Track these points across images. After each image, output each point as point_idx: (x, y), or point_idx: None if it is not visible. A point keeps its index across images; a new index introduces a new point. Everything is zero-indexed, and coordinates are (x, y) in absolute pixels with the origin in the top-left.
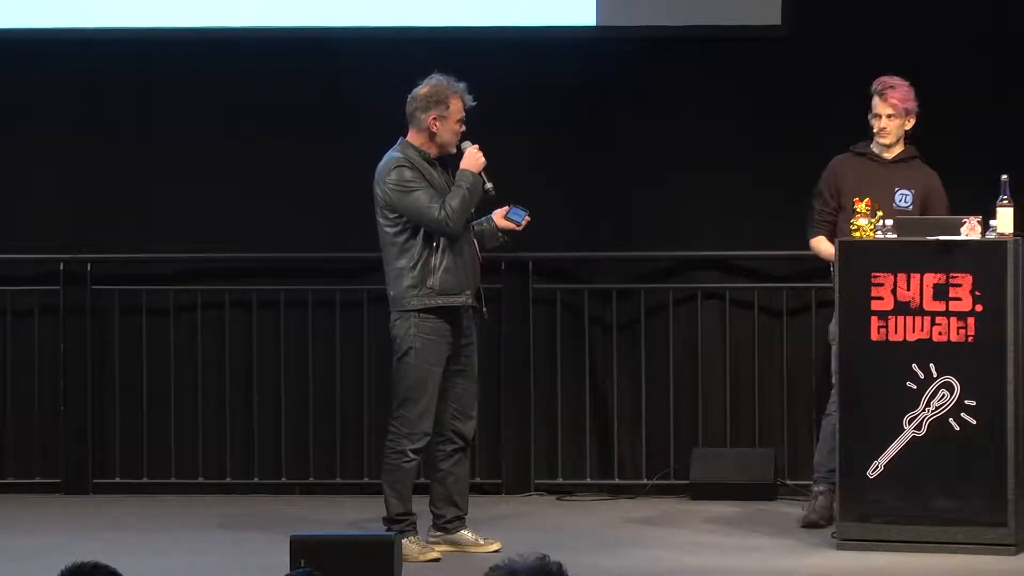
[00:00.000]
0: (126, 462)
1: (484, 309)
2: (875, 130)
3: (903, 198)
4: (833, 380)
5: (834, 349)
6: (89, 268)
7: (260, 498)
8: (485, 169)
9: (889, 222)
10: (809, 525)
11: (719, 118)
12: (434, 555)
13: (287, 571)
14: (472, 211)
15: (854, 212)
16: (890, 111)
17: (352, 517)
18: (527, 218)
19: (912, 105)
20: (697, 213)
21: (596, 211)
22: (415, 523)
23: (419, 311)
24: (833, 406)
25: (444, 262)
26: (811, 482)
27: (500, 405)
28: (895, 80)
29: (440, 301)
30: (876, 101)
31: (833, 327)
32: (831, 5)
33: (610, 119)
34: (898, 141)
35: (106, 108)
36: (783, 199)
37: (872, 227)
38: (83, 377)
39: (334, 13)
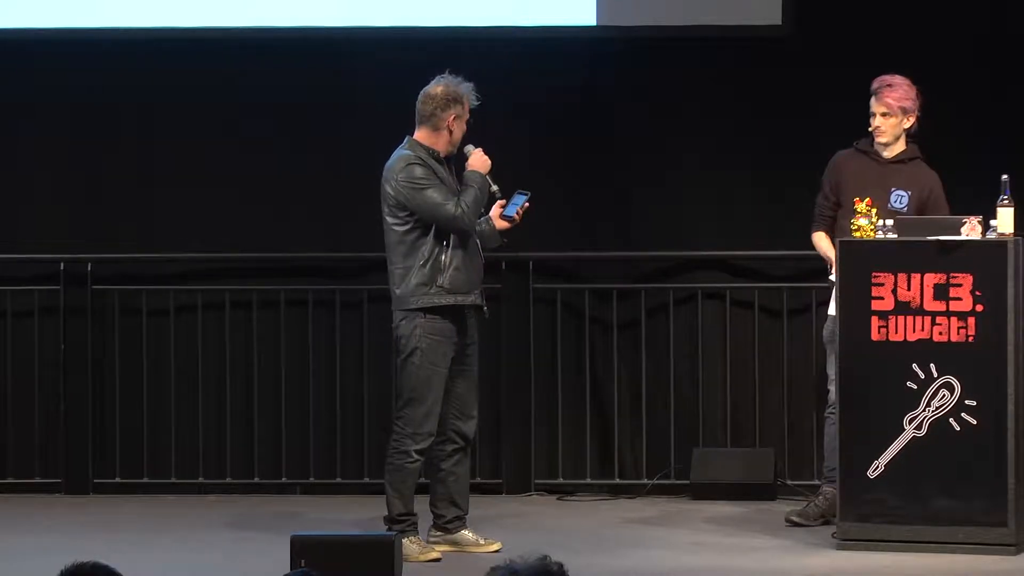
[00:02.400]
0: (126, 462)
1: (485, 308)
2: (871, 128)
3: (899, 199)
4: (831, 379)
5: (830, 350)
6: (89, 268)
7: (260, 498)
8: (490, 172)
9: (889, 222)
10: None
11: (719, 118)
12: (434, 555)
13: (287, 571)
14: (480, 211)
15: (854, 212)
16: (884, 109)
17: (352, 517)
18: (526, 204)
19: (910, 104)
20: (697, 213)
21: (596, 211)
22: (416, 523)
23: (426, 310)
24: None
25: (454, 261)
26: (811, 482)
27: (500, 405)
28: (895, 79)
29: (450, 300)
30: (872, 99)
31: (828, 330)
32: (831, 5)
33: (610, 119)
34: (896, 140)
35: (107, 108)
36: (783, 199)
37: (872, 227)
38: (83, 377)
39: (334, 13)
